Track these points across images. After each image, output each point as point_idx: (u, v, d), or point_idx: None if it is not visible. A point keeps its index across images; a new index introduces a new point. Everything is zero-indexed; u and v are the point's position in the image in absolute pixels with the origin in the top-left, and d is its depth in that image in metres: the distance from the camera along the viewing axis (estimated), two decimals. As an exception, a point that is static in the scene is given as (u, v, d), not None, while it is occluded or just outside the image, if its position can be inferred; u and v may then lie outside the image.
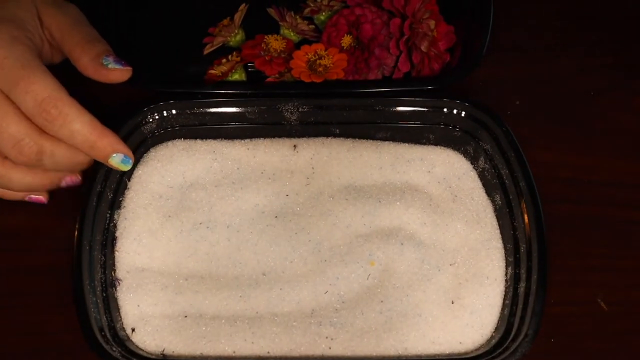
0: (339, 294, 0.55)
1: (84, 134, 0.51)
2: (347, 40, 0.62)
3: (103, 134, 0.51)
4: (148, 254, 0.56)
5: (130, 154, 0.54)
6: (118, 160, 0.53)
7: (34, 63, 0.50)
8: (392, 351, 0.53)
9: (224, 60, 0.63)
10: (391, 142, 0.60)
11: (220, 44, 0.64)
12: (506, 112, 0.62)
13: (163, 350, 0.52)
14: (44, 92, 0.49)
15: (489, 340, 0.53)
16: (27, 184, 0.54)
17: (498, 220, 0.57)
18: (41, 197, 0.56)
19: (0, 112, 0.50)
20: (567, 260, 0.57)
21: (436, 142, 0.60)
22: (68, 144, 0.51)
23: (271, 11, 0.65)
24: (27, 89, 0.49)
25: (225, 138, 0.60)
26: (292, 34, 0.64)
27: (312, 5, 0.65)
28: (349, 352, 0.53)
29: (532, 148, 0.58)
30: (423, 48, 0.60)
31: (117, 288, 0.54)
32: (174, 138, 0.59)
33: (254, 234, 0.56)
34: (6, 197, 0.56)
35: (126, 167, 0.54)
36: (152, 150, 0.59)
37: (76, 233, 0.53)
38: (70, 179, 0.55)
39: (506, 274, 0.55)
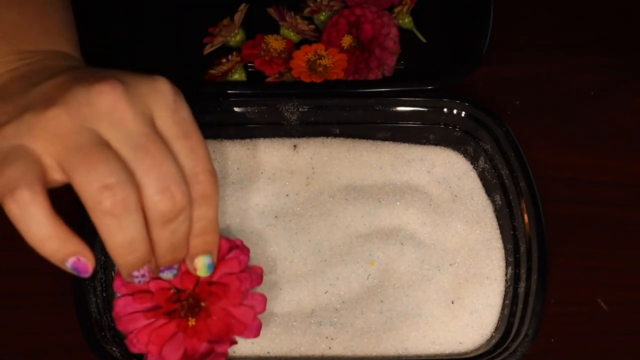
0: (339, 294, 0.55)
1: (208, 223, 0.43)
2: (347, 40, 0.62)
3: (216, 232, 0.44)
4: (148, 254, 0.55)
5: (216, 260, 0.46)
6: (206, 262, 0.45)
7: (198, 125, 0.44)
8: (392, 351, 0.53)
9: (224, 60, 0.63)
10: (391, 142, 0.60)
11: (220, 44, 0.64)
12: (506, 112, 0.62)
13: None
14: (206, 163, 0.42)
15: (489, 340, 0.53)
16: (137, 235, 0.40)
17: (498, 220, 0.57)
18: (90, 265, 0.41)
19: (161, 145, 0.40)
20: (567, 260, 0.57)
21: (436, 142, 0.60)
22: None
23: (271, 11, 0.65)
24: (194, 149, 0.42)
25: (225, 138, 0.60)
26: (292, 34, 0.64)
27: (312, 5, 0.65)
28: (349, 352, 0.53)
29: (532, 148, 0.58)
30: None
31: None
32: (174, 138, 0.59)
33: (254, 234, 0.56)
34: (49, 249, 0.40)
35: (207, 274, 0.46)
36: (152, 150, 0.59)
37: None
38: (146, 270, 0.43)
39: (506, 274, 0.55)
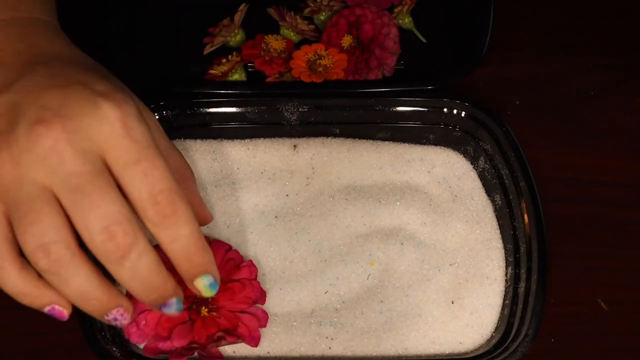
0: (339, 294, 0.55)
1: (188, 242, 0.41)
2: (347, 40, 0.62)
3: (205, 249, 0.42)
4: (148, 254, 0.55)
5: (219, 278, 0.44)
6: (207, 282, 0.43)
7: (157, 146, 0.41)
8: (392, 351, 0.53)
9: (224, 60, 0.63)
10: (391, 142, 0.60)
11: (220, 44, 0.64)
12: (506, 112, 0.62)
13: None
14: (163, 183, 0.40)
15: (489, 340, 0.53)
16: (83, 287, 0.40)
17: (498, 220, 0.57)
18: (65, 311, 0.43)
19: (101, 182, 0.39)
20: (567, 260, 0.57)
21: (436, 142, 0.60)
22: (157, 255, 0.41)
23: (271, 11, 0.65)
24: (148, 173, 0.40)
25: (225, 138, 0.60)
26: (292, 34, 0.64)
27: (312, 5, 0.65)
28: (349, 352, 0.53)
29: (532, 148, 0.58)
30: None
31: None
32: (174, 138, 0.59)
33: (254, 234, 0.56)
34: (25, 301, 0.42)
35: (212, 294, 0.44)
36: (152, 150, 0.59)
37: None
38: (121, 313, 0.42)
39: (506, 274, 0.55)
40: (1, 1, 0.46)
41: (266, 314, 0.52)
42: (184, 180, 0.47)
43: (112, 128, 0.40)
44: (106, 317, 0.42)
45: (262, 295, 0.53)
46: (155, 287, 0.41)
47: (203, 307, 0.51)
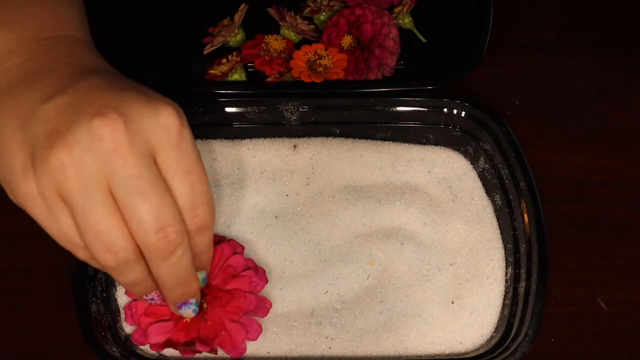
0: (339, 294, 0.55)
1: (207, 246, 0.46)
2: (347, 40, 0.62)
3: (211, 250, 0.47)
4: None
5: (209, 271, 0.49)
6: (202, 277, 0.48)
7: (201, 160, 0.44)
8: (392, 351, 0.53)
9: (224, 60, 0.63)
10: (391, 142, 0.60)
11: (220, 44, 0.64)
12: (506, 112, 0.62)
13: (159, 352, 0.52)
14: (205, 197, 0.43)
15: (489, 340, 0.53)
16: (140, 277, 0.44)
17: (498, 220, 0.57)
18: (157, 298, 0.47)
19: (160, 187, 0.41)
20: (567, 260, 0.57)
21: (436, 142, 0.60)
22: (191, 253, 0.44)
23: (271, 11, 0.65)
24: (194, 186, 0.43)
25: (225, 138, 0.60)
26: (292, 34, 0.64)
27: (312, 5, 0.65)
28: (349, 352, 0.53)
29: (532, 148, 0.58)
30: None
31: (117, 288, 0.54)
32: (174, 138, 0.59)
33: (254, 234, 0.56)
34: (139, 291, 0.46)
35: (201, 285, 0.49)
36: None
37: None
38: (157, 294, 0.47)
39: (506, 274, 0.55)
40: (45, 21, 0.47)
41: (260, 327, 0.51)
42: None
43: (169, 135, 0.41)
44: (147, 297, 0.47)
45: (260, 307, 0.52)
46: (184, 282, 0.45)
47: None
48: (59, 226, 0.42)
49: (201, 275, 0.48)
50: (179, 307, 0.47)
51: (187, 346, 0.50)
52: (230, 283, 0.51)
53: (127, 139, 0.40)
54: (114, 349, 0.50)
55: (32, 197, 0.41)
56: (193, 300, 0.47)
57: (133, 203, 0.41)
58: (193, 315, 0.48)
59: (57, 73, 0.44)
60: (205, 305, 0.51)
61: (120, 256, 0.41)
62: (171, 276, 0.44)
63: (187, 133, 0.42)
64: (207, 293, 0.51)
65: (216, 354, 0.50)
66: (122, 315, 0.53)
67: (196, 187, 0.43)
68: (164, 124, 0.41)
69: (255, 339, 0.51)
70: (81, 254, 0.43)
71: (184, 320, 0.50)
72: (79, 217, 0.41)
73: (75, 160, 0.40)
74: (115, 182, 0.40)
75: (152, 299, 0.47)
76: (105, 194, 0.40)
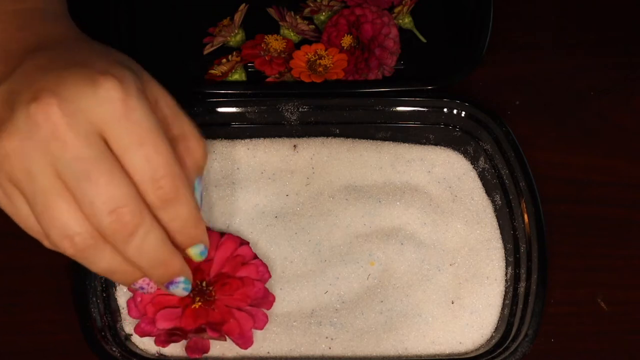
0: (339, 294, 0.55)
1: (186, 219, 0.42)
2: (347, 40, 0.62)
3: (199, 223, 0.43)
4: (148, 254, 0.55)
5: (208, 244, 0.46)
6: (197, 250, 0.44)
7: (160, 129, 0.41)
8: (392, 351, 0.53)
9: (224, 60, 0.63)
10: (391, 142, 0.60)
11: (220, 44, 0.64)
12: (506, 112, 0.62)
13: (161, 350, 0.52)
14: (165, 169, 0.40)
15: (489, 340, 0.53)
16: (110, 265, 0.42)
17: (498, 220, 0.57)
18: (152, 286, 0.45)
19: (106, 166, 0.39)
20: (567, 260, 0.57)
21: (436, 142, 0.60)
22: (162, 230, 0.42)
23: (271, 11, 0.65)
24: (150, 157, 0.40)
25: (226, 138, 0.60)
26: (292, 34, 0.64)
27: (312, 5, 0.65)
28: (349, 352, 0.53)
29: (532, 148, 0.58)
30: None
31: (117, 288, 0.54)
32: (174, 138, 0.59)
33: (254, 234, 0.56)
34: (121, 280, 0.44)
35: (201, 259, 0.45)
36: (152, 150, 0.59)
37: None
38: (145, 282, 0.44)
39: (506, 274, 0.55)
40: None
41: (266, 317, 0.52)
42: (172, 118, 0.45)
43: (113, 108, 0.39)
44: (136, 285, 0.44)
45: (265, 299, 0.52)
46: (162, 262, 0.42)
47: (198, 298, 0.51)
48: (19, 214, 0.41)
49: (195, 249, 0.44)
50: (167, 287, 0.44)
51: (196, 333, 0.50)
52: (240, 271, 0.52)
53: (64, 121, 0.38)
54: (113, 349, 0.50)
55: None
56: (181, 279, 0.44)
57: (80, 186, 0.39)
58: (185, 293, 0.45)
59: (7, 52, 0.43)
60: (213, 294, 0.51)
61: (78, 242, 0.40)
62: (142, 258, 0.41)
63: (134, 102, 0.39)
64: (215, 281, 0.51)
65: (225, 340, 0.51)
66: (122, 315, 0.53)
67: (153, 159, 0.40)
68: (104, 97, 0.39)
69: (261, 328, 0.52)
70: (46, 243, 0.41)
71: (192, 307, 0.51)
72: (31, 204, 0.40)
73: (16, 150, 0.39)
74: (59, 167, 0.39)
75: (142, 288, 0.44)
76: (53, 179, 0.39)
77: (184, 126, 0.45)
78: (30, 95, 0.39)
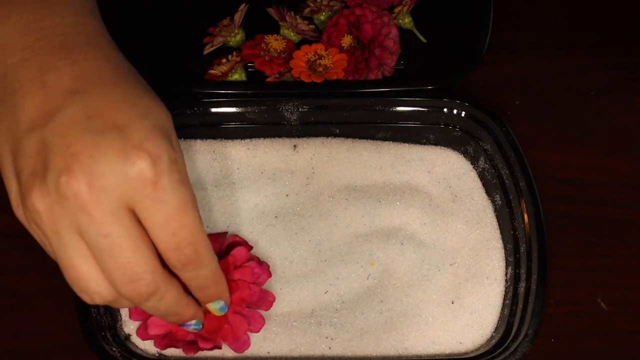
0: (339, 294, 0.55)
1: (205, 279, 0.45)
2: (347, 40, 0.62)
3: (220, 281, 0.46)
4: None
5: (229, 301, 0.49)
6: (217, 306, 0.48)
7: (189, 197, 0.42)
8: (392, 351, 0.53)
9: (224, 60, 0.63)
10: (391, 142, 0.60)
11: (220, 44, 0.64)
12: (506, 112, 0.62)
13: (161, 350, 0.52)
14: (190, 238, 0.42)
15: (489, 340, 0.53)
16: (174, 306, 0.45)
17: (498, 220, 0.57)
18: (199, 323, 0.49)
19: (129, 244, 0.41)
20: (567, 260, 0.57)
21: (436, 142, 0.60)
22: (178, 290, 0.44)
23: (271, 11, 0.65)
24: (176, 232, 0.41)
25: (225, 138, 0.60)
26: (292, 34, 0.64)
27: (312, 5, 0.65)
28: (349, 352, 0.53)
29: (532, 148, 0.58)
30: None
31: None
32: (174, 138, 0.59)
33: (254, 234, 0.56)
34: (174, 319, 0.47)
35: (220, 314, 0.49)
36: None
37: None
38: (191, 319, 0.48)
39: (506, 274, 0.55)
40: (40, 5, 0.45)
41: (263, 319, 0.51)
42: None
43: (143, 187, 0.40)
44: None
45: (264, 299, 0.52)
46: (174, 314, 0.46)
47: None
48: (50, 255, 0.43)
49: (215, 305, 0.47)
50: (181, 325, 0.48)
51: (189, 345, 0.50)
52: (233, 274, 0.51)
53: (92, 198, 0.39)
54: (114, 349, 0.50)
55: (25, 223, 0.42)
56: (192, 322, 0.48)
57: (103, 259, 0.41)
58: (196, 331, 0.49)
59: (46, 88, 0.42)
60: None
61: (96, 299, 0.42)
62: (157, 312, 0.45)
63: (164, 181, 0.40)
64: None
65: (220, 348, 0.50)
66: (122, 315, 0.53)
67: (178, 233, 0.41)
68: (135, 177, 0.40)
69: (257, 331, 0.51)
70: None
71: None
72: (57, 259, 0.42)
73: (47, 209, 0.40)
74: (84, 236, 0.41)
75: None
76: (77, 242, 0.41)
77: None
78: (63, 163, 0.40)
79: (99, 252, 0.41)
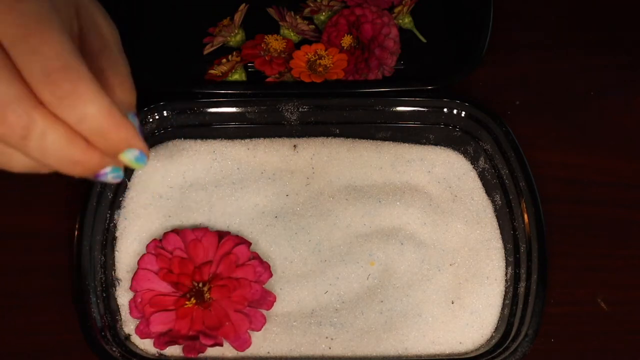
0: (339, 294, 0.55)
1: (98, 120, 0.37)
2: (347, 40, 0.62)
3: (121, 124, 0.38)
4: (148, 254, 0.55)
5: (147, 150, 0.40)
6: (132, 156, 0.39)
7: (54, 21, 0.36)
8: (392, 351, 0.53)
9: (224, 60, 0.63)
10: (391, 142, 0.60)
11: (220, 44, 0.64)
12: (506, 112, 0.62)
13: (161, 350, 0.52)
14: (57, 59, 0.36)
15: (489, 340, 0.53)
16: (27, 163, 0.39)
17: (498, 220, 0.57)
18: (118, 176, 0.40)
19: None
20: (567, 260, 0.57)
21: (436, 142, 0.60)
22: (66, 128, 0.37)
23: (271, 11, 0.65)
24: (37, 49, 0.35)
25: (225, 138, 0.60)
26: (292, 34, 0.64)
27: (312, 5, 0.65)
28: (349, 352, 0.53)
29: (532, 148, 0.58)
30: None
31: (117, 288, 0.54)
32: (174, 138, 0.59)
33: (254, 234, 0.56)
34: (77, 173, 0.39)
35: (141, 166, 0.40)
36: (152, 150, 0.59)
37: (76, 233, 0.53)
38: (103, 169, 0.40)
39: (506, 274, 0.55)
40: None
41: (264, 317, 0.52)
42: (101, 48, 0.42)
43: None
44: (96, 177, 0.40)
45: (265, 299, 0.52)
46: (76, 161, 0.38)
47: (193, 299, 0.51)
48: None
49: (128, 154, 0.39)
50: (95, 178, 0.40)
51: (190, 340, 0.50)
52: (235, 272, 0.51)
53: None
54: (114, 349, 0.50)
55: None
56: (106, 170, 0.40)
57: None
58: (118, 180, 0.41)
59: None
60: (208, 296, 0.51)
61: None
62: (49, 159, 0.38)
63: None
64: (212, 282, 0.52)
65: (221, 345, 0.50)
66: (122, 315, 0.53)
67: (40, 51, 0.35)
68: None
69: (259, 329, 0.51)
70: None
71: (185, 306, 0.51)
72: None
73: None
74: None
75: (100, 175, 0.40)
76: None
77: (114, 60, 0.41)
78: None
79: None
